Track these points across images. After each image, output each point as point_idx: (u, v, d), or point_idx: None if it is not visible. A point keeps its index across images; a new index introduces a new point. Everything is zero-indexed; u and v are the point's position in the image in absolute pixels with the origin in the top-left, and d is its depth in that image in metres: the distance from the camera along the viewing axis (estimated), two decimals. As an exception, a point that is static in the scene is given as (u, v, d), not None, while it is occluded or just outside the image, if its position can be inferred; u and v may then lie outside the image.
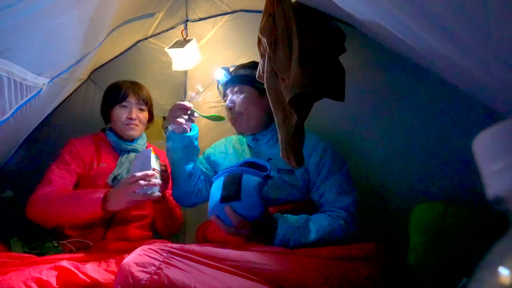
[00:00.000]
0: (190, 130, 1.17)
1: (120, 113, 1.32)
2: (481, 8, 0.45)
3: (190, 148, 1.17)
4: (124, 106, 1.32)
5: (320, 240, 0.94)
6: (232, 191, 0.91)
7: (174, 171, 1.19)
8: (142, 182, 1.03)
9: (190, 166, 1.17)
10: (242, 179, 0.93)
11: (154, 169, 1.07)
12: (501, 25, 0.45)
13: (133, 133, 1.34)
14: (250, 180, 0.94)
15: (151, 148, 1.25)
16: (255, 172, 0.96)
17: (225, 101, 1.66)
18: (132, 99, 1.33)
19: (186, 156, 1.16)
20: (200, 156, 1.31)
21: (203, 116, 1.22)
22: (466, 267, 0.82)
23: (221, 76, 1.28)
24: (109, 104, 1.34)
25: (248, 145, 1.24)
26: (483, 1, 0.43)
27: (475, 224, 0.92)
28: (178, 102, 1.15)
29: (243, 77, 1.23)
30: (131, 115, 1.31)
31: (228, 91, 1.27)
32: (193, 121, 1.17)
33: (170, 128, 1.17)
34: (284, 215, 0.98)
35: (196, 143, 1.19)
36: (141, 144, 1.38)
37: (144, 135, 1.42)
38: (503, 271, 0.20)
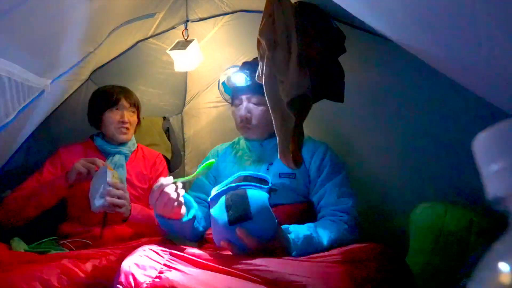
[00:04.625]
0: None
1: (112, 117, 1.34)
2: (472, 19, 0.45)
3: (188, 229, 1.04)
4: (116, 109, 1.35)
5: (331, 247, 0.90)
6: (240, 211, 0.82)
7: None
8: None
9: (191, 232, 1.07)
10: (249, 196, 0.84)
11: (109, 184, 1.08)
12: (491, 36, 0.46)
13: (126, 137, 1.37)
14: (258, 195, 0.85)
15: (107, 163, 1.21)
16: (259, 186, 0.88)
17: (226, 101, 1.67)
18: (124, 103, 1.36)
19: (185, 233, 1.06)
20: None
21: (193, 176, 1.00)
22: (466, 267, 0.82)
23: (242, 81, 1.18)
24: (101, 108, 1.35)
25: (249, 149, 1.22)
26: (474, 12, 0.44)
27: (475, 224, 0.92)
28: (155, 186, 0.89)
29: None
30: (123, 118, 1.34)
31: (243, 97, 1.19)
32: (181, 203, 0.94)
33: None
34: (292, 226, 0.92)
35: (196, 225, 1.06)
36: (127, 146, 1.38)
37: (133, 138, 1.43)
38: (503, 271, 0.20)
